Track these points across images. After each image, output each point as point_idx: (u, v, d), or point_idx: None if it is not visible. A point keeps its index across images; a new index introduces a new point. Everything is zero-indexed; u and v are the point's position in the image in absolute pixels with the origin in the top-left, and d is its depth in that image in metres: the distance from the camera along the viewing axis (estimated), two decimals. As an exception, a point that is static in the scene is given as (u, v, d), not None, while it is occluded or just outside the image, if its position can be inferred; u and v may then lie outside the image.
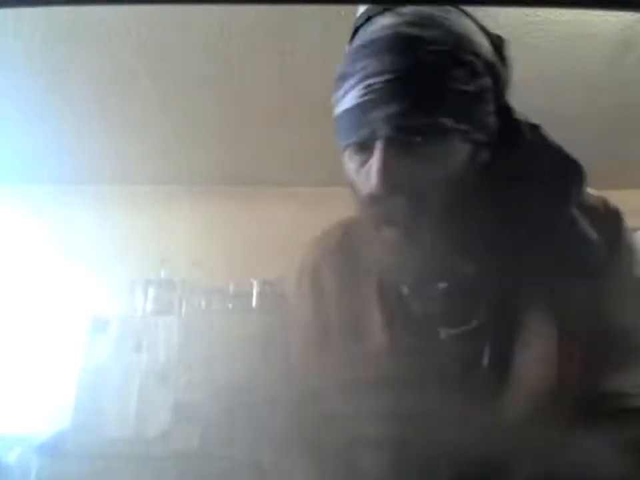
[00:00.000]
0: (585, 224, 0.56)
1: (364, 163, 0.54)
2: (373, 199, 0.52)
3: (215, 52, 1.69)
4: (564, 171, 0.57)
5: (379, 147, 0.51)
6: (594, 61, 1.75)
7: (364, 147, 0.53)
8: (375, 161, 0.51)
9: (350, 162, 0.56)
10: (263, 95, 1.94)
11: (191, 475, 1.86)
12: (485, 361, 0.55)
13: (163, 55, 1.71)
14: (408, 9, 0.53)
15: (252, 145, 2.33)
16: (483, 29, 0.58)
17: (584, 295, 0.53)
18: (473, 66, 0.52)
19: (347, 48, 0.57)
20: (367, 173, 0.53)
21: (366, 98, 0.51)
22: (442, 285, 0.56)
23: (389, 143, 0.50)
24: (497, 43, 0.60)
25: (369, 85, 0.50)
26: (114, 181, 2.65)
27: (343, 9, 1.38)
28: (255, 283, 2.28)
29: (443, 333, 0.58)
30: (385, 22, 0.53)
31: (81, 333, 2.12)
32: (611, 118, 2.08)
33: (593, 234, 0.55)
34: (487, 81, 0.54)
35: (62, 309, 2.48)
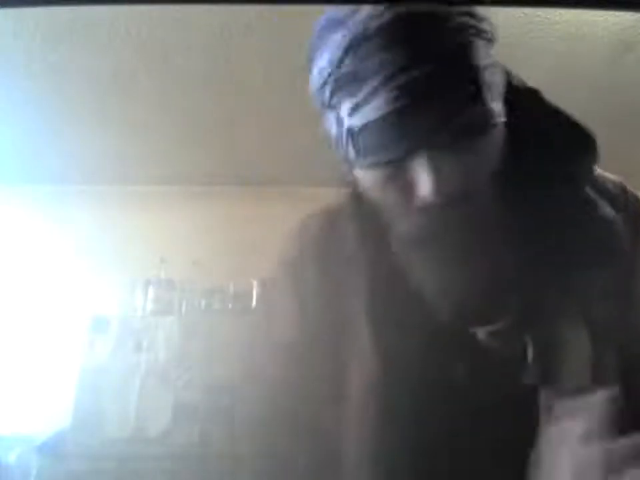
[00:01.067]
0: (599, 202, 0.49)
1: (397, 178, 0.45)
2: (424, 216, 0.45)
3: (215, 52, 1.69)
4: (572, 141, 0.50)
5: (425, 160, 0.43)
6: (594, 61, 1.75)
7: (400, 162, 0.44)
8: (423, 172, 0.43)
9: (372, 179, 0.47)
10: (263, 94, 1.94)
11: (191, 475, 1.86)
12: (530, 356, 0.48)
13: (163, 54, 1.70)
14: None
15: (252, 144, 2.33)
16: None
17: (609, 284, 0.48)
18: (488, 34, 0.44)
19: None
20: (405, 189, 0.45)
21: (399, 104, 0.41)
22: (467, 274, 0.48)
23: (438, 151, 0.42)
24: None
25: (398, 87, 0.40)
26: (114, 181, 2.65)
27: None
28: (254, 283, 2.28)
29: (481, 333, 0.50)
30: (367, 13, 0.43)
31: (81, 333, 2.12)
32: (611, 118, 2.08)
33: (609, 212, 0.49)
34: (493, 50, 0.46)
35: (62, 309, 2.48)
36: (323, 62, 0.46)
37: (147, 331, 2.11)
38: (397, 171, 0.44)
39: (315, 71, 0.47)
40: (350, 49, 0.43)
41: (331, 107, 0.47)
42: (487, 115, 0.42)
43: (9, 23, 1.53)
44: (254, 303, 2.27)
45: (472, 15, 0.43)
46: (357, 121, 0.44)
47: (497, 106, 0.44)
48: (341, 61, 0.44)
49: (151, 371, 2.05)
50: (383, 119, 0.42)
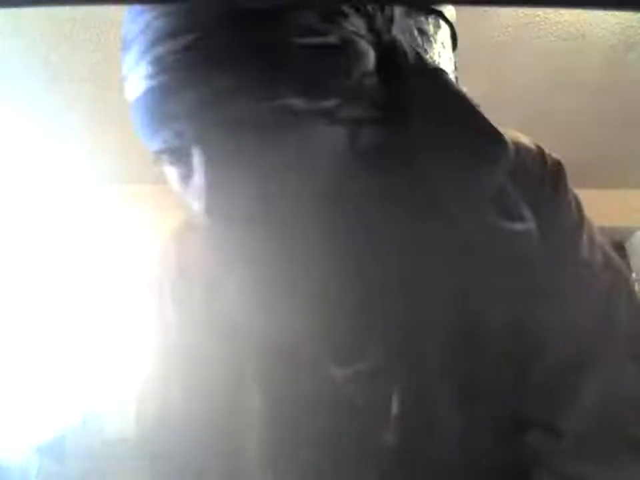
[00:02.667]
0: (507, 205, 0.40)
1: (183, 174, 0.36)
2: (212, 229, 0.37)
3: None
4: (474, 146, 0.38)
5: (195, 155, 0.33)
6: (594, 61, 1.75)
7: (176, 154, 0.35)
8: (198, 177, 0.34)
9: (166, 171, 0.38)
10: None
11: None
12: (394, 410, 0.40)
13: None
14: None
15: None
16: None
17: (506, 302, 0.40)
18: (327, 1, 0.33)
19: None
20: (193, 189, 0.35)
21: (159, 80, 0.32)
22: (318, 300, 0.40)
23: (209, 146, 0.33)
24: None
25: (159, 59, 0.32)
26: (114, 180, 2.65)
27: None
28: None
29: (335, 371, 0.41)
30: None
31: (80, 332, 2.12)
32: (611, 118, 2.08)
33: (520, 224, 0.40)
34: (356, 23, 0.34)
35: (62, 309, 2.47)
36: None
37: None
38: (176, 163, 0.36)
39: None
40: (129, 12, 0.36)
41: None
42: (281, 111, 0.32)
43: (8, 23, 1.53)
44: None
45: None
46: (129, 97, 0.36)
47: (305, 103, 0.32)
48: (127, 22, 0.37)
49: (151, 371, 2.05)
50: (142, 98, 0.34)
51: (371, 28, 0.36)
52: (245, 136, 0.33)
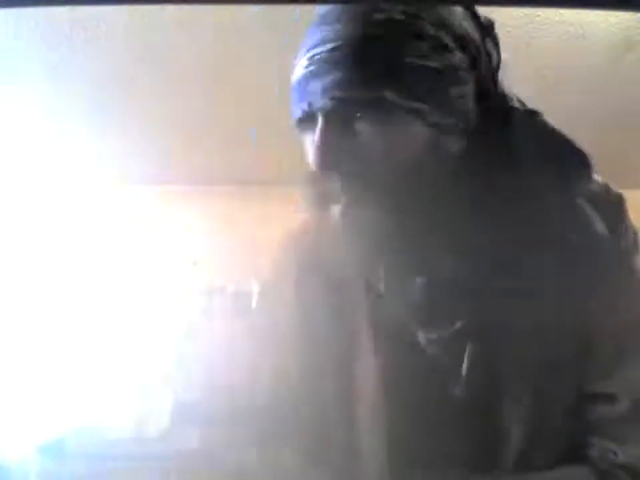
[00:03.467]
0: (591, 216, 0.51)
1: (311, 140, 0.50)
2: (313, 177, 0.50)
3: (215, 52, 1.69)
4: (564, 160, 0.52)
5: (319, 122, 0.48)
6: (594, 60, 1.75)
7: (308, 121, 0.49)
8: (315, 137, 0.48)
9: (304, 140, 0.52)
10: (263, 94, 1.93)
11: (191, 475, 1.86)
12: (464, 369, 0.51)
13: (163, 55, 1.70)
14: None
15: (251, 144, 2.33)
16: (469, 8, 0.51)
17: (576, 298, 0.49)
18: (437, 39, 0.47)
19: None
20: (313, 149, 0.49)
21: (310, 69, 0.47)
22: (419, 280, 0.50)
23: (329, 117, 0.47)
24: (486, 23, 0.53)
25: (314, 55, 0.47)
26: (113, 180, 2.65)
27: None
28: (255, 283, 2.28)
29: (422, 338, 0.52)
30: None
31: (80, 332, 2.12)
32: (611, 118, 2.08)
33: (599, 227, 0.51)
34: (458, 58, 0.48)
35: (62, 309, 2.47)
36: None
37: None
38: (307, 131, 0.50)
39: None
40: (309, 27, 0.51)
41: None
42: (377, 101, 0.45)
43: (9, 23, 1.53)
44: (254, 303, 2.26)
45: (416, 16, 0.46)
46: (291, 83, 0.52)
47: (403, 101, 0.46)
48: (304, 37, 0.52)
49: (151, 370, 2.05)
50: (297, 81, 0.50)
51: (474, 66, 0.49)
52: (352, 114, 0.47)
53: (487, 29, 0.53)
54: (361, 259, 0.53)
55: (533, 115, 0.54)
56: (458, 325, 0.51)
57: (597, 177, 0.57)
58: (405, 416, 0.51)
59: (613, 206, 0.55)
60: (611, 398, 0.50)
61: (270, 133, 2.25)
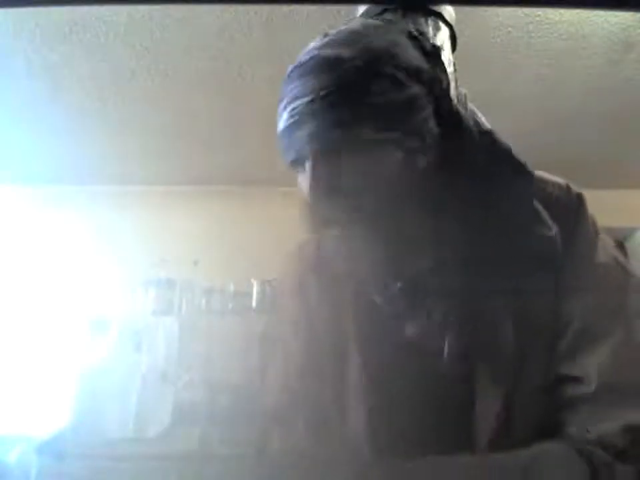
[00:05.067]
0: (536, 216, 0.59)
1: (303, 176, 0.58)
2: (312, 207, 0.58)
3: (215, 52, 1.69)
4: (512, 172, 0.61)
5: (307, 162, 0.56)
6: (594, 61, 1.75)
7: (299, 165, 0.57)
8: (306, 175, 0.56)
9: (298, 177, 0.60)
10: (262, 94, 1.94)
11: (191, 475, 1.86)
12: (445, 353, 0.59)
13: (163, 54, 1.71)
14: (337, 30, 0.58)
15: (252, 144, 2.33)
16: (417, 39, 0.59)
17: (538, 287, 0.58)
18: (394, 77, 0.54)
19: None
20: (305, 185, 0.57)
21: (292, 120, 0.55)
22: (399, 284, 0.60)
23: (315, 156, 0.55)
24: (432, 51, 0.60)
25: (294, 108, 0.55)
26: (114, 181, 2.65)
27: (342, 9, 1.38)
28: (255, 283, 2.28)
29: (409, 330, 0.62)
30: (312, 45, 0.58)
31: (81, 333, 2.12)
32: (611, 118, 2.08)
33: (547, 229, 0.59)
34: (415, 90, 0.56)
35: (62, 310, 2.48)
36: None
37: (147, 331, 2.11)
38: (300, 169, 0.58)
39: None
40: (286, 78, 0.58)
41: None
42: (355, 137, 0.53)
43: (9, 23, 1.54)
44: (254, 303, 2.27)
45: (377, 60, 0.54)
46: (277, 130, 0.59)
47: (375, 134, 0.53)
48: (282, 87, 0.59)
49: (151, 371, 2.05)
50: (283, 131, 0.57)
51: (430, 92, 0.57)
52: (335, 153, 0.55)
53: (433, 56, 0.59)
54: (353, 268, 0.62)
55: (486, 133, 0.61)
56: (436, 317, 0.60)
57: (557, 179, 0.65)
58: (392, 398, 0.60)
59: (571, 202, 0.63)
60: (580, 380, 0.56)
61: (270, 133, 2.26)
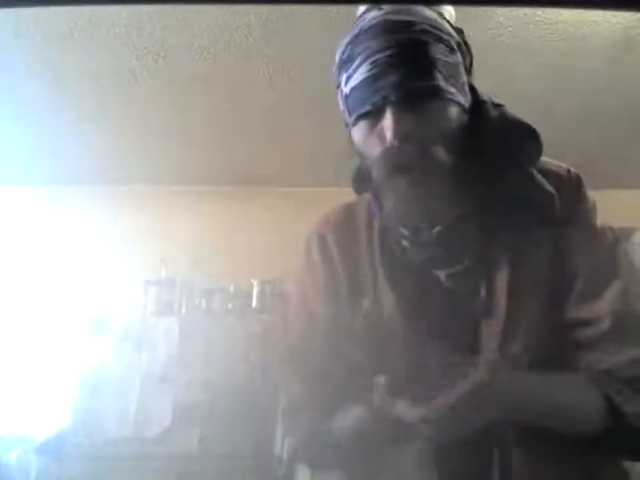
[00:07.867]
0: (542, 180, 0.67)
1: (374, 127, 0.63)
2: (390, 151, 0.61)
3: (215, 52, 1.69)
4: (523, 137, 0.68)
5: (390, 109, 0.60)
6: (594, 61, 1.75)
7: (375, 113, 0.62)
8: (388, 120, 0.61)
9: (359, 132, 0.65)
10: (262, 95, 1.94)
11: (191, 475, 1.86)
12: (483, 292, 0.67)
13: (163, 55, 1.71)
14: (385, 6, 0.64)
15: (251, 144, 2.33)
16: (444, 18, 0.67)
17: (543, 237, 0.67)
18: (449, 43, 0.64)
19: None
20: (379, 133, 0.62)
21: (374, 71, 0.61)
22: (436, 229, 0.66)
23: (398, 104, 0.60)
24: (459, 31, 0.68)
25: (374, 61, 0.61)
26: (114, 181, 2.65)
27: (342, 9, 1.38)
28: (255, 283, 2.28)
29: (442, 275, 0.69)
30: (371, 15, 0.64)
31: (81, 333, 2.12)
32: (611, 118, 2.08)
33: (549, 187, 0.67)
34: (459, 57, 0.65)
35: (62, 310, 2.48)
36: (336, 55, 0.67)
37: (147, 331, 2.11)
38: (372, 120, 0.62)
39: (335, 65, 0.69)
40: (349, 42, 0.65)
41: (339, 85, 0.67)
42: (435, 88, 0.60)
43: (9, 23, 1.54)
44: (254, 302, 2.27)
45: (435, 27, 0.63)
46: (348, 89, 0.64)
47: (447, 87, 0.61)
48: (343, 51, 0.65)
49: (151, 371, 2.05)
50: (362, 83, 0.62)
51: (463, 62, 0.67)
52: (420, 101, 0.61)
53: (461, 34, 0.68)
54: (402, 215, 0.66)
55: (497, 106, 0.68)
56: (466, 262, 0.68)
57: (558, 162, 0.72)
58: (427, 331, 0.66)
59: (572, 180, 0.70)
60: (591, 322, 0.63)
61: (269, 132, 2.26)
